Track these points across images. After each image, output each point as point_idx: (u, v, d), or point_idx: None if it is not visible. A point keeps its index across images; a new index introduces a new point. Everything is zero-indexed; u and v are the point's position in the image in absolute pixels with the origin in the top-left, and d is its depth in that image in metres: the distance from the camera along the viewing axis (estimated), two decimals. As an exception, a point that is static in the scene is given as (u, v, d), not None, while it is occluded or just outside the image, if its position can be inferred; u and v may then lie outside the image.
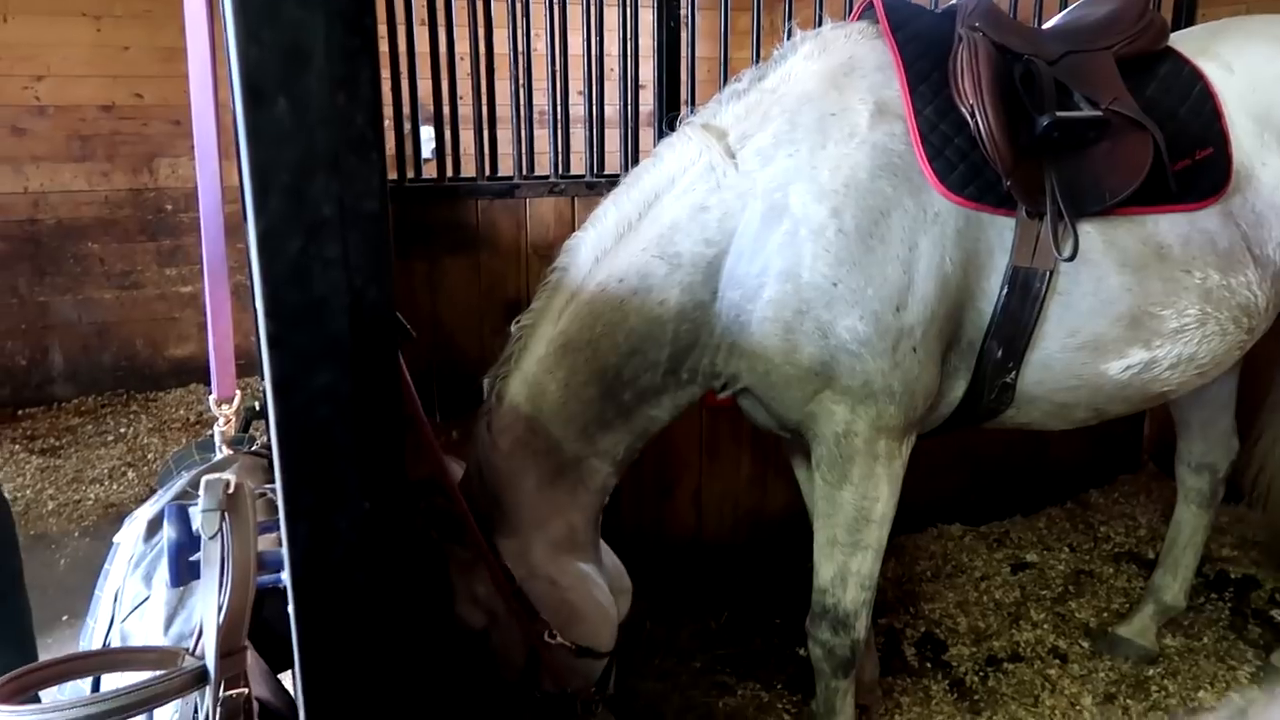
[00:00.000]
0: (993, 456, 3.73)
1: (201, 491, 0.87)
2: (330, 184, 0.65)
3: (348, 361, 0.67)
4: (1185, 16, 3.42)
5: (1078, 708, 2.69)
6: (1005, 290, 1.97)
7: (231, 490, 0.88)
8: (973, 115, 1.91)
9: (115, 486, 4.22)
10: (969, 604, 3.19)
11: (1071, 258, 1.90)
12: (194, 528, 0.90)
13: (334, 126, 0.65)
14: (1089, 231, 1.98)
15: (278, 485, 0.69)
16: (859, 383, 1.95)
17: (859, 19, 2.18)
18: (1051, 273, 1.96)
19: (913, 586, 3.30)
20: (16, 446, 4.60)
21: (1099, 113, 1.94)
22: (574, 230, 2.98)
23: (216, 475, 0.87)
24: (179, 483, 1.53)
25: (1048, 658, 2.91)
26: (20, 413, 5.09)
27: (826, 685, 2.24)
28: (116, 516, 3.96)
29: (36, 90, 5.07)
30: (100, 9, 5.08)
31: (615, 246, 1.99)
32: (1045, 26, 2.30)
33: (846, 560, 2.11)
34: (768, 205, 1.93)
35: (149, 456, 4.53)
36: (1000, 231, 1.97)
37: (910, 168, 1.92)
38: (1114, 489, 3.99)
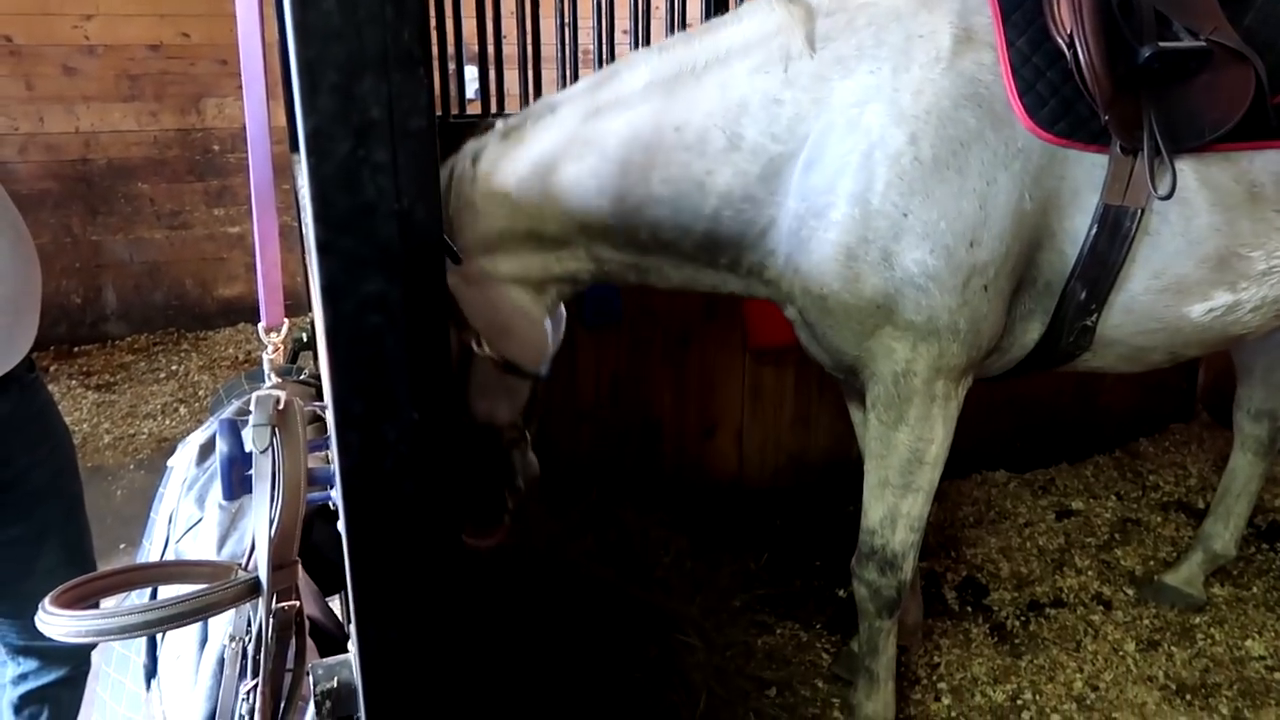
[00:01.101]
0: (1040, 403, 3.67)
1: (253, 406, 0.88)
2: (379, 86, 0.63)
3: (398, 269, 0.66)
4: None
5: (1120, 653, 2.67)
6: (1094, 229, 1.90)
7: (281, 406, 0.88)
8: (1071, 45, 1.83)
9: (168, 421, 4.33)
10: (1012, 550, 3.17)
11: (1169, 196, 1.83)
12: (246, 444, 0.91)
13: (381, 26, 0.63)
14: (1183, 169, 1.89)
15: (327, 393, 0.69)
16: (923, 318, 1.91)
17: None
18: (1142, 211, 1.89)
19: (955, 532, 3.28)
20: (73, 382, 4.73)
21: (1202, 43, 1.85)
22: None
23: (267, 392, 0.88)
24: (230, 409, 1.55)
25: (1091, 604, 2.89)
26: (76, 349, 5.22)
27: (870, 625, 2.24)
28: (170, 450, 4.03)
29: (86, 29, 5.10)
30: (147, -53, 5.09)
31: (672, 84, 1.93)
32: None
33: (897, 502, 2.09)
34: (845, 120, 1.88)
35: (200, 393, 4.63)
36: (1089, 169, 1.89)
37: (995, 99, 1.86)
38: (1165, 438, 3.91)
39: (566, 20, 2.93)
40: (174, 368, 4.96)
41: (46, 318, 5.23)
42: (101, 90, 5.20)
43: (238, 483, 0.92)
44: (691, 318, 3.20)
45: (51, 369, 4.85)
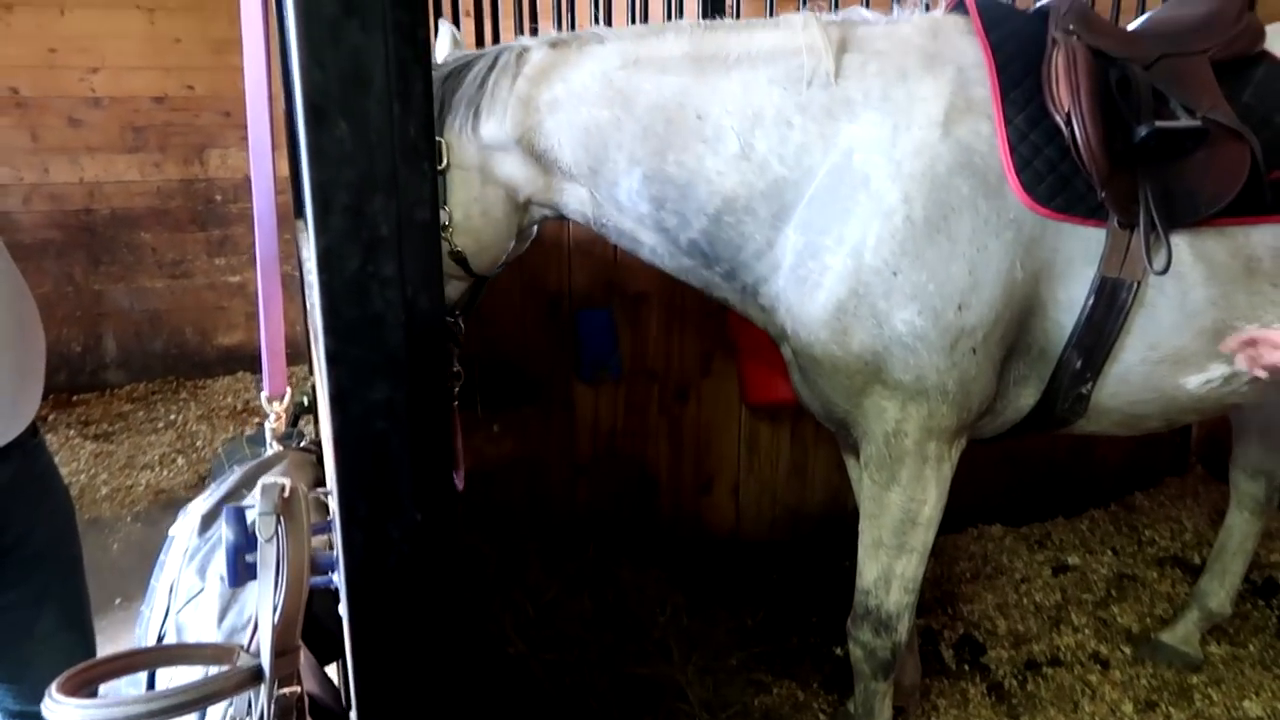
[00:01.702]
0: (1035, 456, 3.68)
1: (259, 496, 0.90)
2: (388, 203, 0.66)
3: (404, 375, 0.68)
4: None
5: (1118, 715, 2.66)
6: (1091, 300, 1.93)
7: (287, 494, 0.90)
8: (1068, 124, 1.87)
9: (165, 473, 4.32)
10: (1009, 606, 3.17)
11: (1164, 271, 1.86)
12: (250, 529, 0.92)
13: (392, 147, 0.66)
14: (1179, 243, 1.91)
15: (334, 495, 0.71)
16: (911, 378, 1.93)
17: (952, 12, 2.12)
18: (1139, 284, 1.92)
19: (952, 587, 3.28)
20: (71, 432, 4.73)
21: (1198, 123, 1.88)
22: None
23: (273, 480, 0.90)
24: (231, 477, 1.57)
25: (1089, 663, 2.88)
26: (75, 398, 5.22)
27: (866, 687, 2.24)
28: (167, 502, 4.06)
29: (92, 82, 5.17)
30: (153, 2, 5.18)
31: (705, 64, 1.96)
32: (1138, 24, 2.24)
33: (891, 562, 2.10)
34: (847, 165, 1.91)
35: (198, 444, 4.63)
36: (1085, 242, 1.92)
37: (990, 169, 1.89)
38: (1160, 491, 3.92)
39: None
40: (172, 417, 4.97)
41: (46, 367, 5.24)
42: (106, 141, 5.26)
43: (242, 570, 0.94)
44: (689, 372, 3.22)
45: (50, 418, 4.86)
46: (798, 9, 2.79)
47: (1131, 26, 2.27)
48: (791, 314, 2.00)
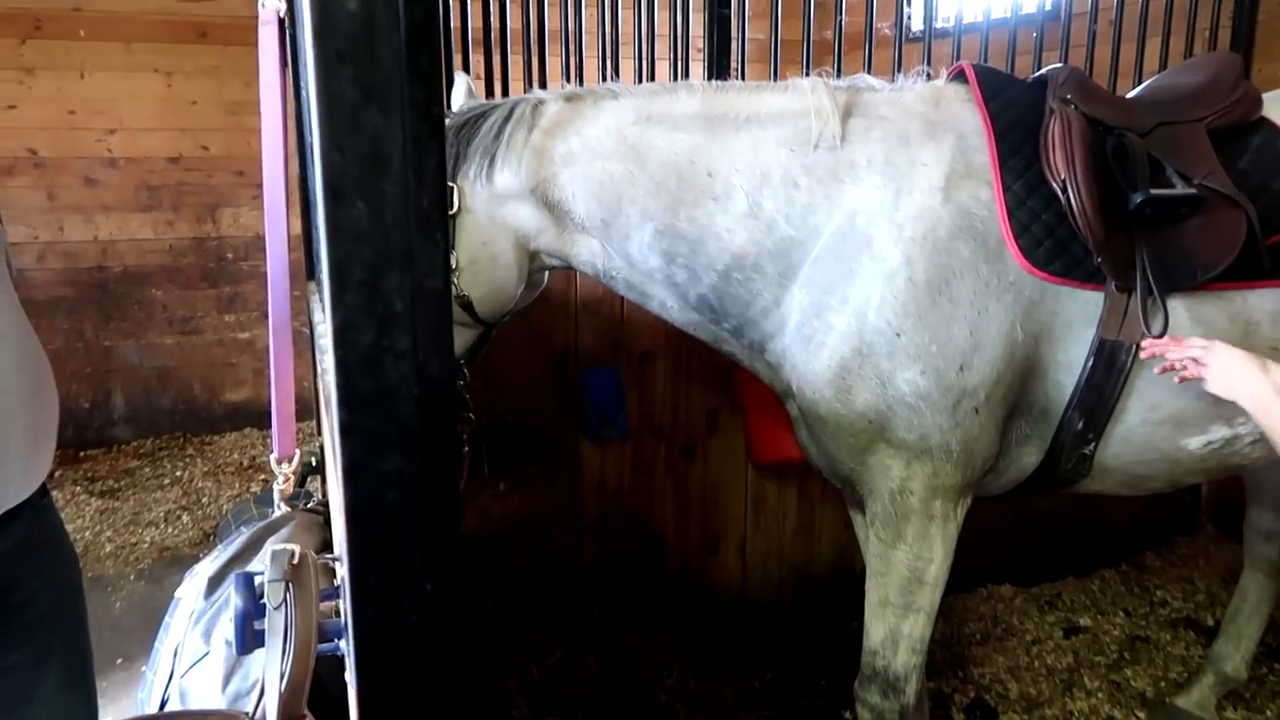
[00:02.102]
0: (1044, 515, 3.66)
1: (268, 562, 0.90)
2: (403, 279, 0.68)
3: (415, 446, 0.69)
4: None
5: (1135, 782, 2.61)
6: (1090, 362, 1.94)
7: (296, 561, 0.91)
8: (1064, 190, 1.90)
9: (170, 530, 4.31)
10: (1020, 669, 3.12)
11: (1162, 335, 1.88)
12: (259, 595, 0.93)
13: (407, 223, 0.68)
14: (1176, 307, 1.94)
15: (344, 565, 0.72)
16: (915, 437, 1.94)
17: (952, 81, 2.16)
18: (1138, 346, 1.93)
19: (962, 649, 3.24)
20: (78, 488, 4.73)
21: (1193, 190, 1.91)
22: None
23: (283, 546, 0.90)
24: (238, 539, 1.57)
25: (1103, 728, 2.83)
26: (82, 454, 5.24)
27: (874, 752, 2.20)
28: (171, 559, 4.05)
29: (109, 143, 5.28)
30: (171, 65, 5.30)
31: (716, 122, 1.99)
32: (1136, 92, 2.29)
33: (898, 622, 2.08)
34: (850, 225, 1.94)
35: (203, 500, 4.62)
36: (1084, 304, 1.94)
37: (989, 234, 1.92)
38: (1171, 551, 3.89)
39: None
40: (178, 473, 4.97)
41: (54, 423, 5.26)
42: (121, 200, 5.35)
43: (250, 637, 0.94)
44: (695, 431, 3.22)
45: (57, 474, 4.86)
46: (801, 74, 2.86)
47: (1130, 95, 2.31)
48: (797, 371, 2.02)
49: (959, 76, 2.14)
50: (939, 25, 3.84)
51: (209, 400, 5.63)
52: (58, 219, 5.24)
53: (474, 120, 2.04)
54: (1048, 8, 3.53)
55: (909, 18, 4.92)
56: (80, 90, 5.17)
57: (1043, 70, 2.17)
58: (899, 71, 2.54)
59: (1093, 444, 2.03)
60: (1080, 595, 3.60)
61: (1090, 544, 3.79)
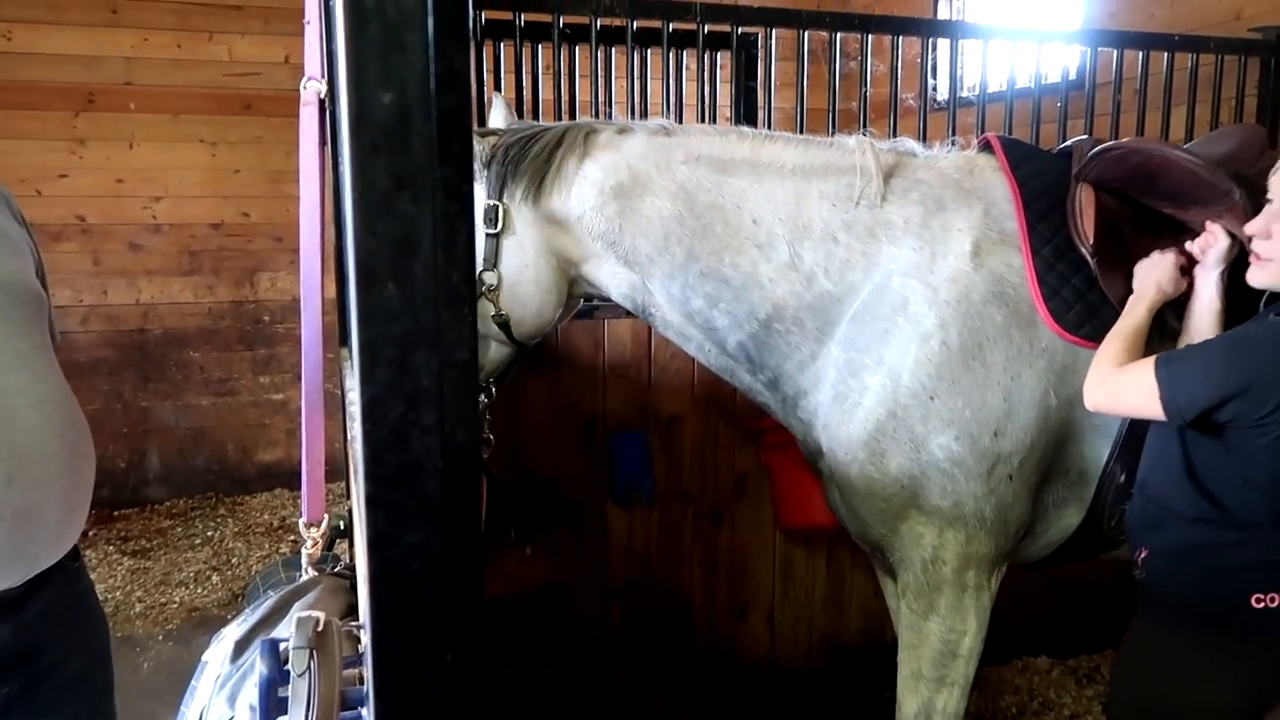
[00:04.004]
0: (1081, 584, 3.58)
1: (293, 629, 0.92)
2: (431, 357, 0.70)
3: (438, 518, 0.71)
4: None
5: None
6: (1128, 421, 1.93)
7: (320, 628, 0.92)
8: (1093, 256, 1.92)
9: (200, 590, 4.34)
10: (1058, 745, 3.03)
11: None
12: (283, 662, 0.94)
13: (435, 303, 0.71)
14: None
15: (367, 634, 0.73)
16: (949, 504, 1.93)
17: (982, 150, 2.20)
18: None
19: (997, 723, 3.15)
20: (110, 548, 4.78)
21: None
22: (650, 351, 3.08)
23: (308, 613, 0.92)
24: (265, 603, 1.58)
25: (1146, 809, 2.73)
26: (116, 513, 5.30)
27: (906, 830, 2.14)
28: (200, 620, 4.06)
29: (154, 210, 5.45)
30: (216, 135, 5.49)
31: (762, 170, 2.02)
32: None
33: (932, 696, 2.04)
34: (887, 285, 1.96)
35: (233, 561, 4.65)
36: None
37: (1021, 300, 1.94)
38: (1213, 623, 3.77)
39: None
40: (209, 534, 5.01)
41: (91, 483, 5.34)
42: (164, 265, 5.50)
43: (274, 703, 0.95)
44: (722, 496, 3.21)
45: (90, 534, 4.92)
46: (827, 128, 2.91)
47: None
48: (829, 431, 2.02)
49: (986, 147, 2.17)
50: (963, 95, 3.90)
51: (242, 460, 5.70)
52: (102, 283, 5.39)
53: (524, 141, 2.05)
54: (1071, 76, 3.58)
55: (933, 88, 4.99)
56: (129, 160, 5.36)
57: (1069, 141, 2.20)
58: (924, 140, 2.57)
59: None
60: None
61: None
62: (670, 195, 2.01)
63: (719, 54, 3.33)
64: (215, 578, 4.46)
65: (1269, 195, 1.72)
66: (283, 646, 0.96)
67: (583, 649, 3.12)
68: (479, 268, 2.02)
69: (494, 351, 2.15)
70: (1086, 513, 2.04)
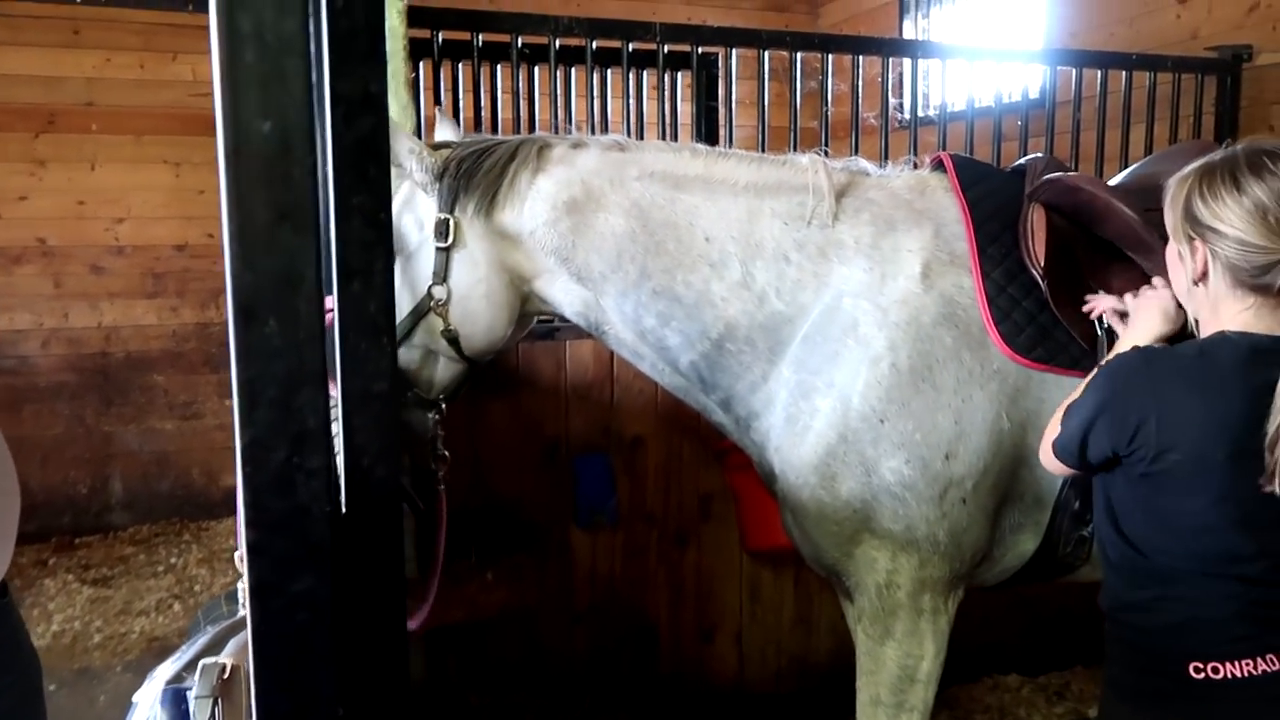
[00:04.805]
0: (1051, 601, 3.57)
1: (196, 676, 0.88)
2: (316, 397, 0.67)
3: (328, 568, 0.68)
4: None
5: None
6: None
7: (226, 675, 0.88)
8: (1044, 278, 1.91)
9: (161, 619, 4.26)
10: (1027, 765, 3.01)
11: None
12: (186, 713, 0.90)
13: (321, 342, 0.68)
14: None
15: (253, 690, 0.69)
16: (900, 528, 1.90)
17: (934, 169, 2.18)
18: None
19: (966, 744, 3.13)
20: (70, 576, 4.69)
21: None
22: (612, 372, 3.05)
23: (213, 660, 0.88)
24: (201, 639, 1.53)
25: (1114, 829, 2.71)
26: (78, 540, 5.20)
27: None
28: (160, 650, 3.97)
29: (117, 232, 5.38)
30: (180, 156, 5.43)
31: (716, 186, 2.00)
32: (1118, 179, 2.31)
33: (891, 722, 2.02)
34: (837, 306, 1.94)
35: (195, 588, 4.57)
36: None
37: (972, 323, 1.92)
38: (1182, 639, 3.77)
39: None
40: (173, 560, 4.93)
41: (51, 508, 5.23)
42: (127, 287, 5.43)
43: (177, 756, 0.91)
44: (687, 518, 3.18)
45: (50, 562, 4.84)
46: (789, 147, 2.90)
47: (1114, 181, 2.33)
48: (781, 454, 1.99)
49: (940, 165, 2.16)
50: (924, 114, 3.91)
51: (207, 485, 5.61)
52: (63, 306, 5.31)
53: (477, 155, 2.02)
54: (1033, 95, 3.60)
55: (897, 107, 5.02)
56: (91, 181, 5.30)
57: (1022, 160, 2.19)
58: (885, 159, 2.57)
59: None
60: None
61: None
62: (624, 212, 1.98)
63: (680, 74, 3.32)
64: (177, 606, 4.38)
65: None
66: (190, 695, 0.92)
67: (546, 675, 3.07)
68: (429, 282, 2.00)
69: (444, 368, 2.11)
70: (1043, 538, 2.02)
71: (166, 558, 4.97)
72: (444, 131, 2.24)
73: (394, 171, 2.08)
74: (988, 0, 5.40)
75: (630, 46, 2.94)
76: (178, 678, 1.46)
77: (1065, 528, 1.99)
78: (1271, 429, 1.43)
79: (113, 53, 5.24)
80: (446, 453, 2.15)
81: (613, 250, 1.99)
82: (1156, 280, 1.82)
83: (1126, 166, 2.90)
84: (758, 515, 3.03)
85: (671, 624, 3.22)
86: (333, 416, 0.74)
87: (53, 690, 3.62)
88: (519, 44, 2.87)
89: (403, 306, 2.01)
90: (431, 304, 2.00)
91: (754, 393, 2.02)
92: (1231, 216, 1.48)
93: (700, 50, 3.11)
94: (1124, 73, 3.45)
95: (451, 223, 1.98)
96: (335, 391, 0.81)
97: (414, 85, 2.76)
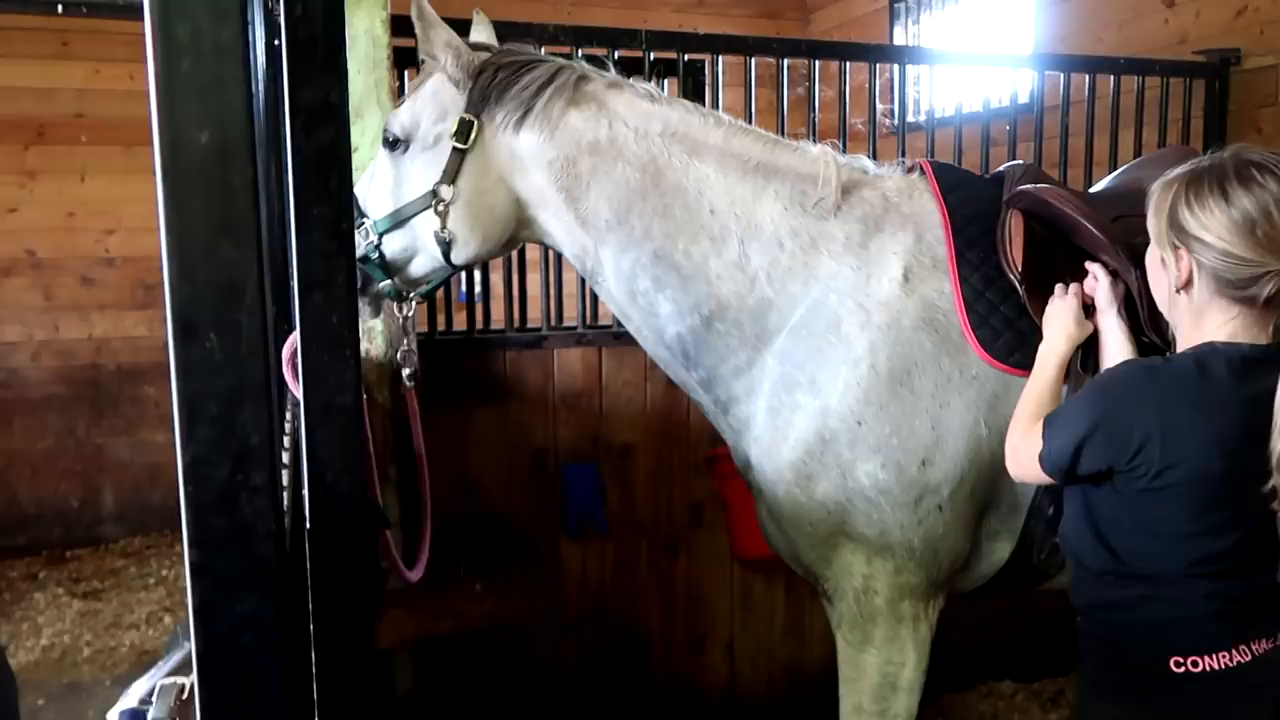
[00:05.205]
0: (1043, 607, 3.55)
1: (155, 698, 0.86)
2: (260, 413, 0.66)
3: (274, 588, 0.66)
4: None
5: None
6: None
7: (185, 696, 0.86)
8: (1021, 283, 1.90)
9: (151, 632, 4.22)
10: (1021, 773, 2.99)
11: None
12: (145, 734, 0.88)
13: (264, 358, 0.66)
14: None
15: (197, 714, 0.68)
16: (875, 533, 1.90)
17: (916, 174, 2.16)
18: None
19: (960, 753, 3.11)
20: (60, 590, 4.66)
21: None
22: (601, 380, 3.04)
23: (172, 680, 0.86)
24: (176, 655, 1.52)
25: (1109, 838, 2.68)
26: (69, 553, 5.17)
27: None
28: (150, 663, 3.94)
29: (107, 243, 5.36)
30: (171, 167, 5.41)
31: (729, 158, 1.99)
32: (1102, 184, 2.30)
33: (874, 732, 2.00)
34: (824, 301, 1.93)
35: (187, 600, 4.54)
36: None
37: (952, 327, 1.91)
38: (1177, 644, 3.75)
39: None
40: (164, 572, 4.89)
41: (41, 521, 5.19)
42: (117, 299, 5.41)
43: (134, 778, 0.89)
44: (678, 526, 3.16)
45: (40, 575, 4.81)
46: (777, 124, 2.89)
47: (1096, 188, 2.33)
48: (759, 444, 1.98)
49: (920, 170, 2.15)
50: (913, 119, 3.91)
51: (199, 497, 5.58)
52: (53, 318, 5.29)
53: (515, 68, 1.99)
54: (1021, 100, 3.59)
55: (883, 113, 5.01)
56: (80, 192, 5.28)
57: (1003, 166, 2.18)
58: (875, 161, 2.55)
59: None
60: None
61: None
62: (641, 167, 1.97)
63: (667, 81, 3.30)
64: (168, 619, 4.35)
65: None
66: (148, 717, 0.90)
67: (537, 687, 3.05)
68: (436, 179, 1.98)
69: (421, 263, 2.11)
70: (1017, 544, 2.01)
71: (158, 570, 4.93)
72: (480, 34, 2.22)
73: (426, 65, 2.08)
74: (977, 6, 5.41)
75: (617, 54, 2.93)
76: (150, 694, 1.44)
77: (1039, 535, 1.98)
78: (1277, 448, 1.42)
79: (102, 64, 5.22)
80: (414, 350, 2.17)
81: (623, 202, 1.98)
82: (1059, 289, 1.84)
83: (1114, 171, 2.89)
84: (748, 523, 3.01)
85: (662, 633, 3.20)
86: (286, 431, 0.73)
87: (41, 705, 3.60)
88: (504, 52, 2.85)
89: (403, 195, 2.02)
90: (434, 202, 1.99)
91: (737, 378, 2.01)
92: (1219, 228, 1.47)
93: (687, 57, 3.09)
94: (1112, 77, 3.44)
95: (476, 125, 1.97)
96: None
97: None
